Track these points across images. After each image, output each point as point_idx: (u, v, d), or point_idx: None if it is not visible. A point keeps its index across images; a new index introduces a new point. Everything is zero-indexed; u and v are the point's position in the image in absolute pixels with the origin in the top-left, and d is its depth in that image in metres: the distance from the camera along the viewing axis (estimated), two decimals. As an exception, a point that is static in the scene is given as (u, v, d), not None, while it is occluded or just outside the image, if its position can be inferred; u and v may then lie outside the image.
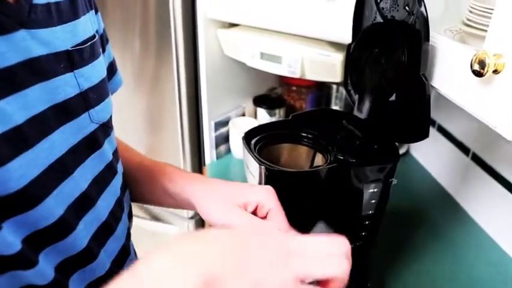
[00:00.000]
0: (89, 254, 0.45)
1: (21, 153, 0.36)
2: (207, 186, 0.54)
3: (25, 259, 0.38)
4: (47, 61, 0.39)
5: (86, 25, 0.47)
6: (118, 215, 0.52)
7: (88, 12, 0.49)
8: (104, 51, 0.55)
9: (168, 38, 1.03)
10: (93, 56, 0.47)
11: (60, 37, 0.41)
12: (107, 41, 0.58)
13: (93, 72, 0.47)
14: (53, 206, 0.39)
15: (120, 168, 0.55)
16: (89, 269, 0.45)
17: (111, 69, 0.60)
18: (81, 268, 0.45)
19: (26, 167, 0.36)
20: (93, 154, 0.46)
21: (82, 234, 0.44)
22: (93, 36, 0.48)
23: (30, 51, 0.37)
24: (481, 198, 0.93)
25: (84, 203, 0.44)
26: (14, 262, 0.37)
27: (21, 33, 0.36)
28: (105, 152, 0.49)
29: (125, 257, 0.54)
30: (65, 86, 0.41)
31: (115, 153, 0.53)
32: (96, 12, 0.54)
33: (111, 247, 0.50)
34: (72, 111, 0.42)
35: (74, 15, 0.45)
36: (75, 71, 0.43)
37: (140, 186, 0.60)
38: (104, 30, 0.56)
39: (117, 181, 0.52)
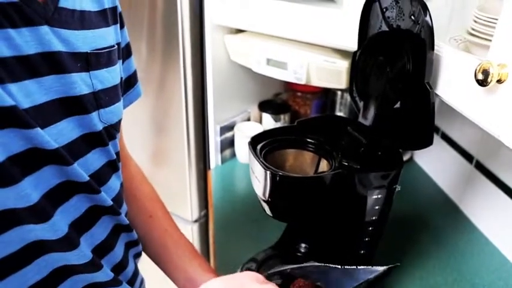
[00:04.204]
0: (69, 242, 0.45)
1: (18, 128, 0.36)
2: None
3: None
4: (65, 57, 0.42)
5: (108, 35, 0.50)
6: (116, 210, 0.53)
7: (112, 25, 0.52)
8: (123, 62, 0.58)
9: (176, 43, 1.04)
10: (109, 63, 0.50)
11: (80, 40, 0.45)
12: (129, 54, 0.60)
13: (108, 77, 0.49)
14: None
15: (120, 165, 0.56)
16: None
17: (131, 81, 0.62)
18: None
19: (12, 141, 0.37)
20: (95, 149, 0.48)
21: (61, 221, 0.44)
22: (112, 46, 0.51)
23: (50, 45, 0.40)
24: (484, 205, 0.93)
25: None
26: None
27: (45, 29, 0.40)
28: (109, 150, 0.51)
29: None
30: (81, 83, 0.44)
31: (117, 154, 0.55)
32: (122, 27, 0.57)
33: (93, 239, 0.50)
34: (84, 107, 0.45)
35: (97, 25, 0.48)
36: (90, 72, 0.46)
37: (164, 253, 0.67)
38: (127, 44, 0.59)
39: (117, 179, 0.54)
